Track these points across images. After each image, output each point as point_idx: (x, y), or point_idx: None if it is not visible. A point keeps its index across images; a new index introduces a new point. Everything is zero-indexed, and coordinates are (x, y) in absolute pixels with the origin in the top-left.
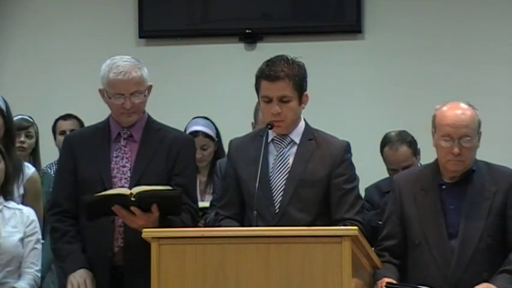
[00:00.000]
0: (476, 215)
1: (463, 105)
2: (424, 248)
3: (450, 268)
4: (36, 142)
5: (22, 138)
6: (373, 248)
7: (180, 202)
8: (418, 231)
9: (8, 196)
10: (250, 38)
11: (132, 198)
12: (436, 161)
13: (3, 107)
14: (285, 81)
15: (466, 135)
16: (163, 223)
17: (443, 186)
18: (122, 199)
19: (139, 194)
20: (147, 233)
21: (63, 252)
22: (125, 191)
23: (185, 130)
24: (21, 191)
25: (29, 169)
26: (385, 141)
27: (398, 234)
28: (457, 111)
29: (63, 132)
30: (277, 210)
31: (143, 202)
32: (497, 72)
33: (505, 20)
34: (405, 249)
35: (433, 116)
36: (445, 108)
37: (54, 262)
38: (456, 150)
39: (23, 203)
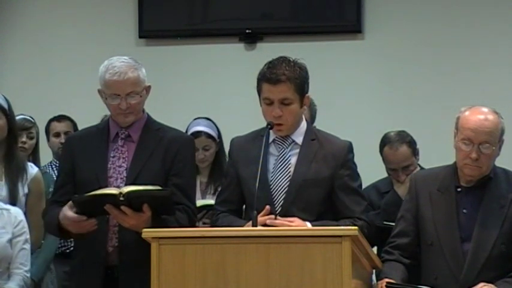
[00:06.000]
0: (491, 221)
1: (488, 111)
2: (437, 249)
3: (462, 272)
4: (37, 143)
5: (24, 139)
6: (375, 248)
7: (171, 202)
8: (431, 232)
9: None
10: (250, 38)
11: (121, 198)
12: (455, 163)
13: (6, 106)
14: (286, 84)
15: (486, 142)
16: (157, 223)
17: (459, 189)
18: (111, 199)
19: (128, 193)
20: (147, 233)
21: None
22: (114, 190)
23: (187, 131)
24: (26, 190)
25: (33, 169)
26: (385, 141)
27: (412, 232)
28: (481, 116)
29: (57, 134)
30: (278, 210)
31: (133, 202)
32: (498, 74)
33: (506, 22)
34: (417, 248)
35: (457, 117)
36: (469, 111)
37: (55, 262)
38: (474, 155)
39: (26, 203)
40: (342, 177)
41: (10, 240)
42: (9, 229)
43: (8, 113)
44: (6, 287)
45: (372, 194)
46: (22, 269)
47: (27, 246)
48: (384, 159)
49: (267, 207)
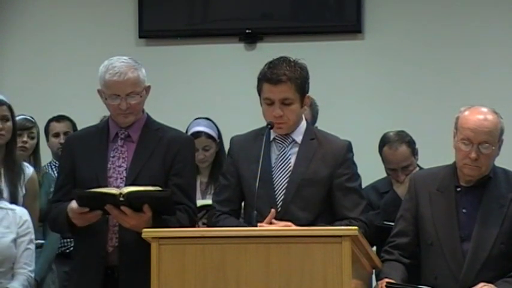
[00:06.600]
0: (490, 221)
1: (488, 111)
2: (436, 249)
3: (461, 272)
4: (37, 143)
5: (25, 139)
6: (374, 248)
7: (171, 202)
8: (430, 232)
9: None
10: (250, 38)
11: (121, 199)
12: (455, 163)
13: (12, 108)
14: (287, 84)
15: (485, 142)
16: (158, 223)
17: (459, 189)
18: (110, 199)
19: (128, 194)
20: (147, 233)
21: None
22: (114, 190)
23: (187, 131)
24: (23, 191)
25: (29, 169)
26: (384, 141)
27: (411, 232)
28: (480, 116)
29: (56, 135)
30: (279, 209)
31: (133, 202)
32: (498, 74)
33: (506, 22)
34: (417, 248)
35: (456, 117)
36: (468, 111)
37: (55, 262)
38: (473, 155)
39: (23, 203)
40: (340, 176)
41: (14, 240)
42: (14, 229)
43: (13, 115)
44: (10, 286)
45: (371, 194)
46: (26, 268)
47: (32, 246)
48: (383, 159)
49: (272, 210)
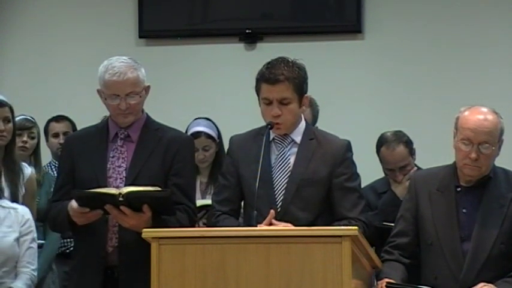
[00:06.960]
0: (490, 221)
1: (488, 111)
2: (436, 249)
3: (461, 272)
4: (38, 143)
5: (25, 138)
6: (373, 248)
7: (171, 202)
8: (430, 232)
9: None
10: (250, 38)
11: (120, 198)
12: (455, 163)
13: (12, 108)
14: (285, 84)
15: (485, 142)
16: (157, 223)
17: (459, 189)
18: (110, 198)
19: (127, 194)
20: (147, 233)
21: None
22: (114, 190)
23: (187, 131)
24: (23, 190)
25: (27, 169)
26: (382, 141)
27: (411, 232)
28: (480, 116)
29: (56, 135)
30: (279, 209)
31: (133, 202)
32: (498, 73)
33: (506, 22)
34: (417, 248)
35: (456, 117)
36: (468, 111)
37: (55, 262)
38: (474, 155)
39: (22, 203)
40: (340, 176)
41: (17, 239)
42: (16, 228)
43: (13, 116)
44: (14, 285)
45: (369, 194)
46: (29, 267)
47: (34, 245)
48: (381, 160)
49: (272, 211)
